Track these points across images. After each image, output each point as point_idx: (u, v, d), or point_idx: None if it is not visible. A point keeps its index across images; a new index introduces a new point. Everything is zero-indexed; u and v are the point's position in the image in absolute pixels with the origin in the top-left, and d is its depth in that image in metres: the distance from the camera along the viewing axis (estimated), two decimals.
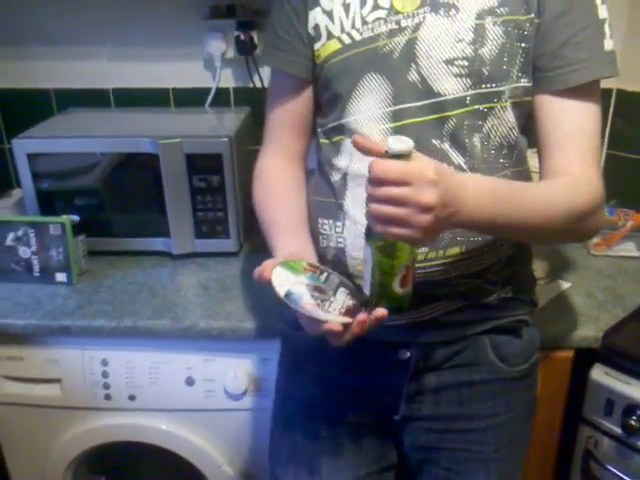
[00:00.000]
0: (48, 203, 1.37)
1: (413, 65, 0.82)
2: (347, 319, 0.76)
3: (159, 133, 1.31)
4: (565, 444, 1.21)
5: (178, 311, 1.20)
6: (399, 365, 0.91)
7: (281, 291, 0.76)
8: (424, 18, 0.81)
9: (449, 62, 0.80)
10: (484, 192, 0.72)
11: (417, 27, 0.81)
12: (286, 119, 0.97)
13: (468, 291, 0.88)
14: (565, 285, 1.25)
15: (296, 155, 0.99)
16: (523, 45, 0.82)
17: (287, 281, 0.78)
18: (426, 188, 0.64)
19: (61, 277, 1.30)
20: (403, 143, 0.66)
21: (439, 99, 0.81)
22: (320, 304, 0.77)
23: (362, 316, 0.74)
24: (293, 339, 1.02)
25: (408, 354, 0.90)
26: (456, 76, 0.81)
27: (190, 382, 1.23)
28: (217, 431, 1.28)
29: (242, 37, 1.45)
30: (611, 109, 1.52)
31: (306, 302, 0.76)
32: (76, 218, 1.30)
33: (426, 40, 0.81)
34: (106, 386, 1.24)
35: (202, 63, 1.58)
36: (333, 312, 0.76)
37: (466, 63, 0.80)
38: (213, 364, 1.22)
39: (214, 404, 1.24)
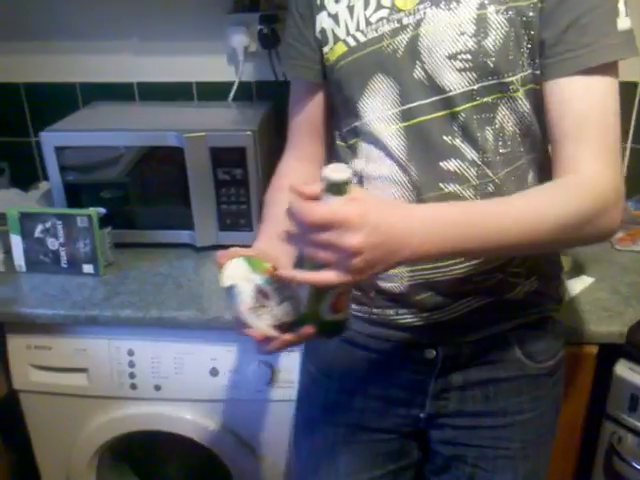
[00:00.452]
0: (75, 196, 1.39)
1: (418, 62, 0.80)
2: (273, 332, 0.75)
3: (184, 127, 1.33)
4: (588, 440, 1.21)
5: (203, 302, 1.22)
6: (425, 364, 0.91)
7: (225, 282, 0.76)
8: (425, 14, 0.79)
9: (452, 57, 0.79)
10: (434, 223, 0.69)
11: (418, 24, 0.80)
12: (303, 123, 0.99)
13: (491, 287, 0.87)
14: (589, 280, 1.25)
15: (314, 158, 1.00)
16: (529, 32, 0.78)
17: (238, 275, 0.77)
18: (349, 232, 0.62)
19: (88, 268, 1.32)
20: (339, 173, 0.64)
21: (446, 95, 0.80)
22: (256, 308, 0.75)
23: (287, 336, 0.74)
24: (318, 340, 1.02)
25: (434, 353, 0.90)
26: (460, 71, 0.79)
27: (214, 373, 1.25)
28: (240, 421, 1.30)
29: (265, 31, 1.46)
30: (636, 101, 1.50)
31: (243, 301, 0.75)
32: (103, 210, 1.32)
33: (428, 36, 0.80)
34: (132, 376, 1.26)
35: (225, 57, 1.59)
36: (264, 321, 0.75)
37: (469, 57, 0.78)
38: (237, 355, 1.23)
39: (238, 394, 1.26)
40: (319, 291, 0.72)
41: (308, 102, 0.97)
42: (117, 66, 1.62)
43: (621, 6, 0.76)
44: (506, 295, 0.88)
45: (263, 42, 1.48)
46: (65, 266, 1.32)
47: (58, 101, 1.66)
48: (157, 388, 1.27)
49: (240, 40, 1.51)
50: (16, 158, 1.73)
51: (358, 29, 0.83)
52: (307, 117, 0.98)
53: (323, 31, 0.87)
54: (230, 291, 0.76)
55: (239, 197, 1.36)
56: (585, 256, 1.34)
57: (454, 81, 0.79)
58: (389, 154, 0.85)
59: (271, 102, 1.56)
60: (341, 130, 0.92)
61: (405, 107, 0.82)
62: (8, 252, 1.36)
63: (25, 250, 1.33)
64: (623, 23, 0.76)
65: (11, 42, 1.64)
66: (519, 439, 0.94)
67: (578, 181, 0.77)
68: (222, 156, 1.31)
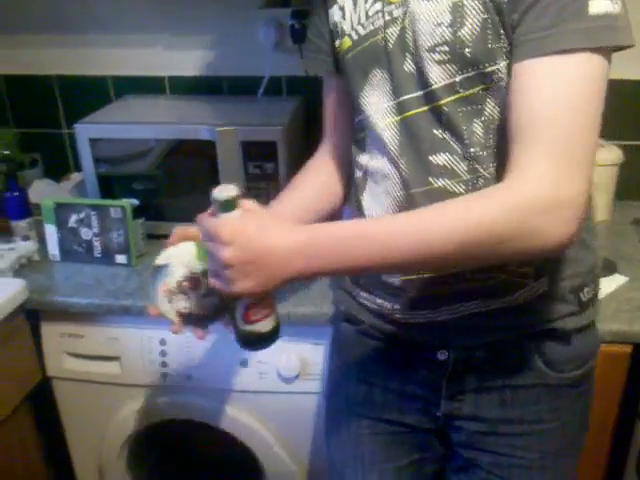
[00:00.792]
0: (107, 187, 1.41)
1: (407, 55, 0.79)
2: (174, 317, 0.81)
3: (215, 121, 1.34)
4: (620, 441, 1.20)
5: None
6: (437, 365, 0.90)
7: (159, 261, 0.81)
8: (409, 5, 0.77)
9: (431, 49, 0.76)
10: (317, 243, 0.70)
11: (405, 15, 0.78)
12: (330, 117, 1.01)
13: (494, 287, 0.82)
14: (623, 279, 1.24)
15: (340, 153, 1.01)
16: (502, 16, 0.72)
17: (176, 257, 0.81)
18: (221, 246, 0.69)
19: (121, 259, 1.34)
20: (223, 192, 0.71)
21: (429, 89, 0.78)
22: (174, 292, 0.79)
23: (199, 332, 0.85)
24: (340, 332, 1.04)
25: (446, 355, 0.89)
26: (439, 63, 0.76)
27: (244, 364, 1.26)
28: (269, 413, 1.31)
29: (297, 26, 1.47)
30: None
31: (166, 282, 0.80)
32: (135, 202, 1.34)
33: (411, 28, 0.78)
34: (163, 365, 1.28)
35: (255, 52, 1.59)
36: (175, 305, 0.80)
37: (447, 48, 0.75)
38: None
39: (267, 386, 1.27)
40: (228, 299, 0.77)
41: (333, 95, 0.99)
42: (148, 60, 1.65)
43: None
44: (512, 297, 0.83)
45: (294, 37, 1.49)
46: (98, 256, 1.35)
47: (90, 94, 1.69)
48: (188, 377, 1.29)
49: (271, 35, 1.53)
50: (48, 150, 1.76)
51: (359, 22, 0.83)
52: (332, 110, 1.01)
53: (335, 24, 0.88)
54: (157, 270, 0.81)
55: (269, 191, 1.37)
56: (618, 255, 1.34)
57: (436, 74, 0.77)
58: (384, 148, 0.84)
59: (301, 97, 1.58)
60: (353, 125, 0.93)
61: (398, 100, 0.81)
62: (42, 242, 1.39)
63: (59, 240, 1.35)
64: (597, 6, 0.66)
65: (45, 35, 1.67)
66: (536, 449, 0.91)
67: (502, 190, 0.69)
68: (253, 150, 1.33)
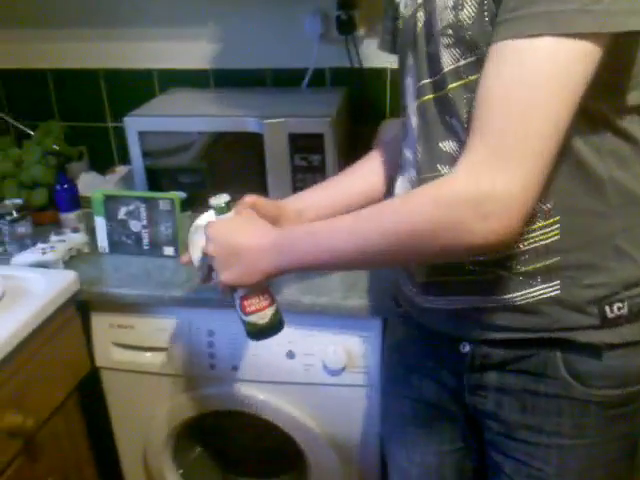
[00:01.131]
0: (155, 179, 1.42)
1: (428, 39, 0.77)
2: (196, 263, 0.95)
3: (262, 113, 1.34)
4: None
5: (281, 287, 1.24)
6: (461, 356, 0.88)
7: (199, 222, 0.95)
8: None
9: (441, 33, 0.74)
10: (283, 242, 0.81)
11: None
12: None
13: (492, 283, 0.78)
14: None
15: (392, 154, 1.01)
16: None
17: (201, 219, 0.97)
18: (208, 241, 0.85)
19: (169, 250, 1.35)
20: (215, 200, 0.88)
21: (441, 73, 0.75)
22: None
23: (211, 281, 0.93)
24: (393, 315, 1.05)
25: (468, 347, 0.86)
26: (447, 47, 0.73)
27: (291, 355, 1.26)
28: (315, 405, 1.31)
29: (343, 17, 1.46)
30: None
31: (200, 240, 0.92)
32: (183, 195, 1.35)
33: (431, 12, 0.76)
34: (211, 356, 1.29)
35: (300, 43, 1.59)
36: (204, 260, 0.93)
37: (451, 31, 0.72)
38: (313, 339, 1.25)
39: (313, 378, 1.27)
40: (226, 292, 0.90)
41: None
42: (193, 53, 1.65)
43: None
44: (512, 296, 0.78)
45: (341, 28, 1.48)
46: (146, 248, 1.36)
47: (135, 87, 1.71)
48: (234, 369, 1.29)
49: (317, 26, 1.52)
50: (93, 143, 1.78)
51: (406, 5, 0.82)
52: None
53: (397, 6, 0.87)
54: (198, 228, 0.94)
55: (315, 183, 1.36)
56: None
57: (445, 59, 0.74)
58: (410, 133, 0.84)
59: (346, 88, 1.57)
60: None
61: (418, 85, 0.80)
62: (90, 234, 1.41)
63: (108, 232, 1.37)
64: None
65: (90, 29, 1.69)
66: (555, 464, 0.85)
67: (434, 185, 0.69)
68: (300, 142, 1.32)
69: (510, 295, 0.78)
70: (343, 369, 1.25)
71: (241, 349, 1.28)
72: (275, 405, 1.32)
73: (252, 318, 0.90)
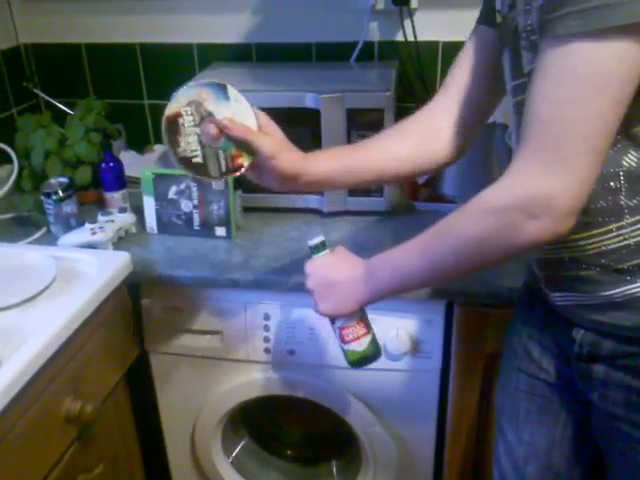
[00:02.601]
0: None
1: (518, 40, 0.75)
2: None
3: (317, 88, 1.28)
4: None
5: None
6: (572, 341, 0.85)
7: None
8: None
9: (522, 34, 0.73)
10: (368, 272, 0.88)
11: None
12: (458, 73, 0.98)
13: (589, 279, 0.78)
14: None
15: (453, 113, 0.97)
16: None
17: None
18: (308, 277, 0.95)
19: (220, 231, 1.31)
20: (313, 240, 0.97)
21: (523, 75, 0.74)
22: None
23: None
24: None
25: (580, 335, 0.83)
26: (524, 49, 0.73)
27: None
28: (373, 390, 1.28)
29: None
30: None
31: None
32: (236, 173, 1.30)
33: (517, 13, 0.74)
34: (266, 340, 1.26)
35: (349, 16, 1.53)
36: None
37: (525, 34, 0.71)
38: (375, 323, 1.19)
39: (372, 363, 1.23)
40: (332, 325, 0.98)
41: (475, 48, 0.94)
42: (235, 26, 1.59)
43: None
44: (610, 294, 0.77)
45: None
46: (197, 228, 1.32)
47: (173, 63, 1.65)
48: (291, 353, 1.26)
49: None
50: (128, 120, 1.73)
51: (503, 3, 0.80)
52: (465, 66, 0.96)
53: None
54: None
55: None
56: None
57: (524, 61, 0.73)
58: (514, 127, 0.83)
59: (396, 62, 1.51)
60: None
61: (513, 84, 0.79)
62: (136, 213, 1.36)
63: (157, 212, 1.32)
64: None
65: (126, 2, 1.63)
66: None
67: (485, 194, 0.73)
68: (358, 118, 1.27)
69: (609, 292, 0.77)
70: (404, 354, 1.21)
71: (297, 333, 1.24)
72: (332, 390, 1.28)
73: (349, 347, 0.98)
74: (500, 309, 1.13)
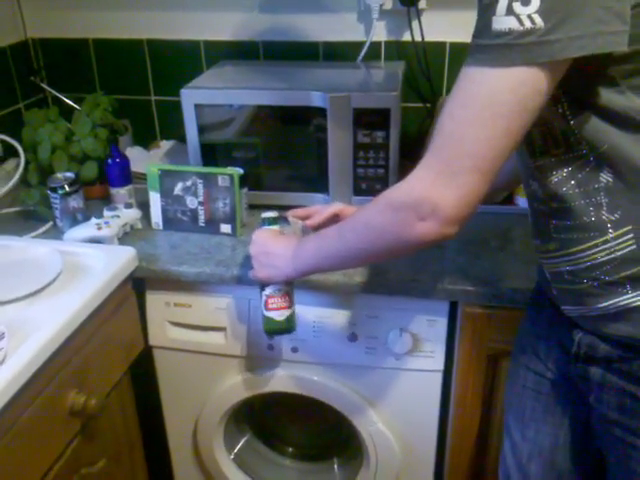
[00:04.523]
0: (209, 155, 1.37)
1: None
2: None
3: (324, 87, 1.29)
4: None
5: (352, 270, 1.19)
6: (571, 341, 0.86)
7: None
8: None
9: None
10: (297, 250, 0.97)
11: None
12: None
13: (585, 292, 0.80)
14: None
15: None
16: None
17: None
18: (251, 244, 1.06)
19: (226, 228, 1.31)
20: (267, 213, 1.09)
21: None
22: None
23: None
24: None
25: (579, 336, 0.84)
26: None
27: (353, 338, 1.23)
28: (375, 389, 1.28)
29: None
30: None
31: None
32: (241, 170, 1.30)
33: None
34: (270, 336, 1.26)
35: (356, 15, 1.53)
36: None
37: None
38: (378, 321, 1.21)
39: (375, 362, 1.24)
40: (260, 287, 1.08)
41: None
42: (243, 24, 1.59)
43: (502, 1, 0.64)
44: (604, 305, 0.79)
45: None
46: (202, 225, 1.32)
47: (181, 59, 1.65)
48: (294, 350, 1.26)
49: None
50: (135, 116, 1.73)
51: None
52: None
53: None
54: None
55: (377, 161, 1.31)
56: None
57: None
58: None
59: (403, 62, 1.51)
60: None
61: None
62: (142, 209, 1.37)
63: (163, 208, 1.33)
64: (500, 23, 0.65)
65: None
66: None
67: (387, 191, 0.81)
68: (365, 117, 1.27)
69: (603, 304, 0.79)
70: (407, 353, 1.22)
71: (302, 331, 1.24)
72: (334, 388, 1.29)
73: (271, 314, 1.06)
74: (504, 310, 1.14)
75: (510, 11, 0.64)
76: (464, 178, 0.71)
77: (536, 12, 0.63)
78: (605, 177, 0.74)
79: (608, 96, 0.70)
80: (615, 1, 0.62)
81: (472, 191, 0.72)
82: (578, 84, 0.70)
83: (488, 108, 0.68)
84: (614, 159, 0.73)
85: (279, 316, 1.06)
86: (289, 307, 1.06)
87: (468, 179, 0.71)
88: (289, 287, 1.06)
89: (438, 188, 0.72)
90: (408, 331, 1.20)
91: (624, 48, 0.64)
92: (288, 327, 1.08)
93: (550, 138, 0.76)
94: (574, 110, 0.73)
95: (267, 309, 1.06)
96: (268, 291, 1.05)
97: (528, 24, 0.63)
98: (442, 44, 1.51)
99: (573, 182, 0.76)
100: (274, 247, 1.02)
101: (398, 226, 0.78)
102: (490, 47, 0.66)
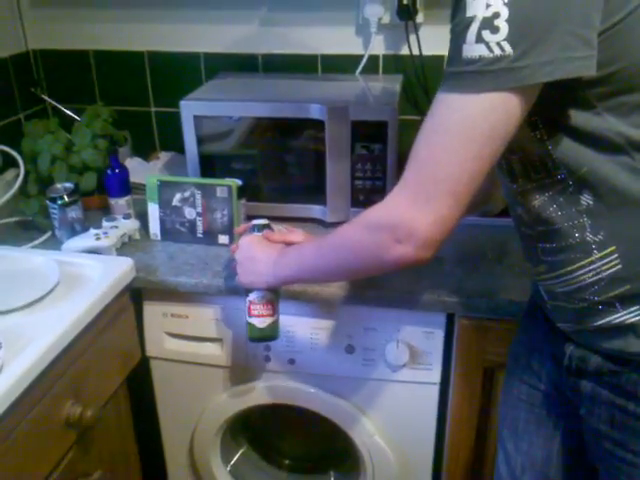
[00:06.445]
0: (208, 166, 1.38)
1: None
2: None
3: (322, 99, 1.30)
4: None
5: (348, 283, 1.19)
6: (563, 354, 0.87)
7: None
8: None
9: None
10: (278, 259, 1.00)
11: None
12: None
13: (578, 310, 0.81)
14: None
15: None
16: None
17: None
18: (238, 249, 1.08)
19: (223, 239, 1.32)
20: (258, 221, 1.11)
21: None
22: None
23: None
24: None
25: (570, 349, 0.85)
26: None
27: (350, 350, 1.23)
28: (372, 401, 1.28)
29: (406, 1, 1.41)
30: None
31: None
32: (239, 182, 1.31)
33: None
34: (267, 348, 1.26)
35: (354, 29, 1.55)
36: None
37: None
38: (375, 334, 1.21)
39: (372, 374, 1.24)
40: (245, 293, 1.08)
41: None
42: (244, 37, 1.61)
43: (472, 29, 0.65)
44: (597, 324, 0.80)
45: (401, 13, 1.43)
46: (200, 236, 1.32)
47: (180, 71, 1.67)
48: (291, 362, 1.26)
49: (375, 11, 1.47)
50: (134, 127, 1.74)
51: None
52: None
53: None
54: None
55: (375, 173, 1.32)
56: None
57: None
58: None
59: (401, 76, 1.52)
60: None
61: None
62: (140, 220, 1.37)
63: (161, 219, 1.33)
64: (470, 51, 0.66)
65: (135, 9, 1.65)
66: None
67: (365, 212, 0.82)
68: (362, 130, 1.28)
69: (598, 323, 0.80)
70: (404, 365, 1.22)
71: (298, 342, 1.24)
72: (331, 400, 1.29)
73: (253, 320, 1.06)
74: (500, 322, 1.14)
75: (480, 39, 0.65)
76: (439, 202, 0.72)
77: (504, 39, 0.64)
78: (585, 200, 0.75)
79: (584, 118, 0.71)
80: (582, 27, 0.64)
81: (447, 215, 0.73)
82: (554, 108, 0.72)
83: (461, 133, 0.69)
84: (593, 181, 0.73)
85: (260, 323, 1.06)
86: (271, 315, 1.06)
87: (443, 203, 0.72)
88: (273, 295, 1.06)
89: (414, 212, 0.73)
90: (405, 343, 1.20)
91: (592, 72, 0.65)
92: (269, 335, 1.08)
93: (529, 165, 0.78)
94: (551, 134, 0.74)
95: (249, 315, 1.07)
96: (251, 297, 1.06)
97: (497, 51, 0.65)
98: (440, 58, 1.52)
99: (555, 206, 0.77)
100: (258, 253, 1.03)
101: (375, 247, 0.79)
102: (461, 74, 0.67)
